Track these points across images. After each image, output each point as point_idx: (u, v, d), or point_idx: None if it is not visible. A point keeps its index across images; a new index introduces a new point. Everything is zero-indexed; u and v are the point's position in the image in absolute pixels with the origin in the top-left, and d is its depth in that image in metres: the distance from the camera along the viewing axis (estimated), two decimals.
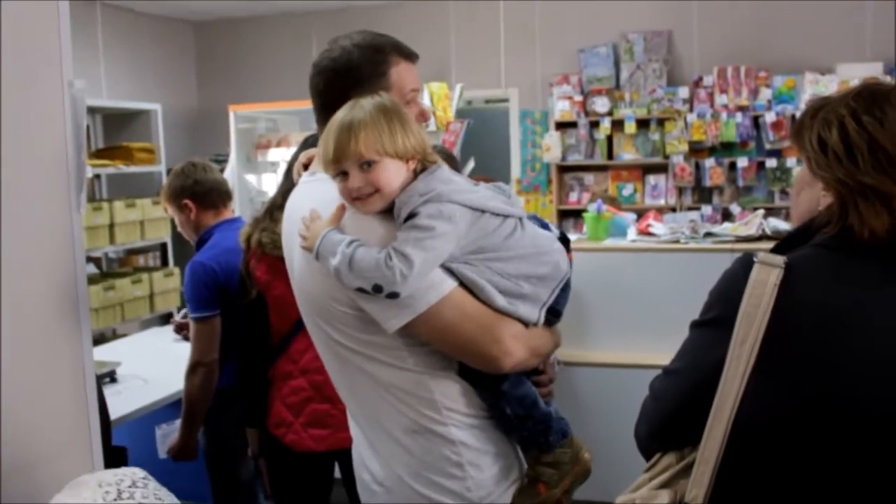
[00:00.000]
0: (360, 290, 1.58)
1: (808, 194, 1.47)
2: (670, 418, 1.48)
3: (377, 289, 1.56)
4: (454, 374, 1.71)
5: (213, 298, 3.11)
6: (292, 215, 1.76)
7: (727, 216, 6.72)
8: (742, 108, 6.81)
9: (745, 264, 1.39)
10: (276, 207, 2.68)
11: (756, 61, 6.85)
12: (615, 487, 1.75)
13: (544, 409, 1.77)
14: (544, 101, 7.50)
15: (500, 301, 1.65)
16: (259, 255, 2.69)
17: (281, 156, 6.96)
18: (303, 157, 1.88)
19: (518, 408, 1.73)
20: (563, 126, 7.27)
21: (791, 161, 6.69)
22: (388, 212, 1.64)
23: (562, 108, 7.18)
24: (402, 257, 1.55)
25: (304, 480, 2.81)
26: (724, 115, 6.79)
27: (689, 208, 6.90)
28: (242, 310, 2.80)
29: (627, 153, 7.16)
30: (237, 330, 2.97)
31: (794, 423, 1.33)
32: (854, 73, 6.50)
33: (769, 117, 6.69)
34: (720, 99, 6.86)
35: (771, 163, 6.77)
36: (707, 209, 6.89)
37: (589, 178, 7.36)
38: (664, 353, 1.67)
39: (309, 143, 2.70)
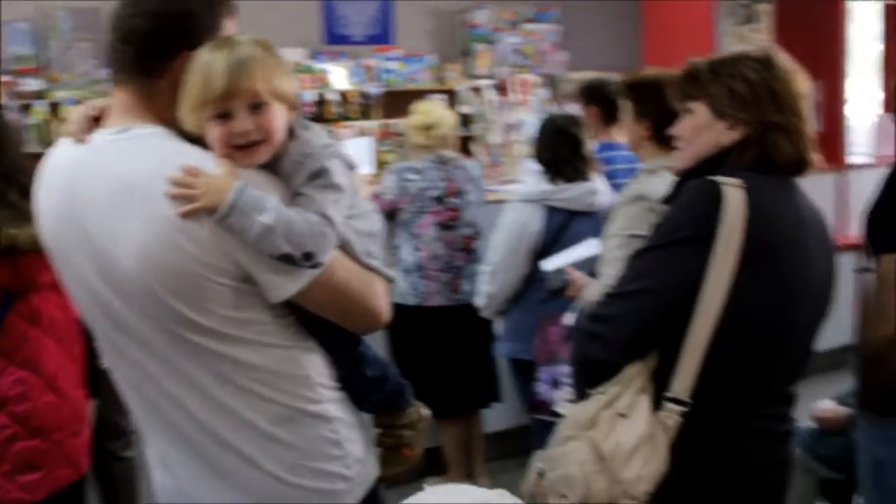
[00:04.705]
0: (286, 256, 1.39)
1: (709, 134, 1.79)
2: (647, 334, 1.67)
3: (307, 256, 1.40)
4: (316, 346, 1.57)
5: None
6: (113, 179, 1.44)
7: None
8: None
9: (713, 188, 1.66)
10: None
11: None
12: None
13: (393, 368, 1.69)
14: None
15: (364, 257, 1.56)
16: None
17: None
18: (88, 111, 1.53)
19: (376, 369, 1.64)
20: None
21: None
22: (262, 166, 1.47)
23: None
24: (328, 223, 1.40)
25: None
26: None
27: None
28: None
29: None
30: None
31: (780, 306, 1.69)
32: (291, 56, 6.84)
33: None
34: None
35: None
36: None
37: None
38: None
39: None
